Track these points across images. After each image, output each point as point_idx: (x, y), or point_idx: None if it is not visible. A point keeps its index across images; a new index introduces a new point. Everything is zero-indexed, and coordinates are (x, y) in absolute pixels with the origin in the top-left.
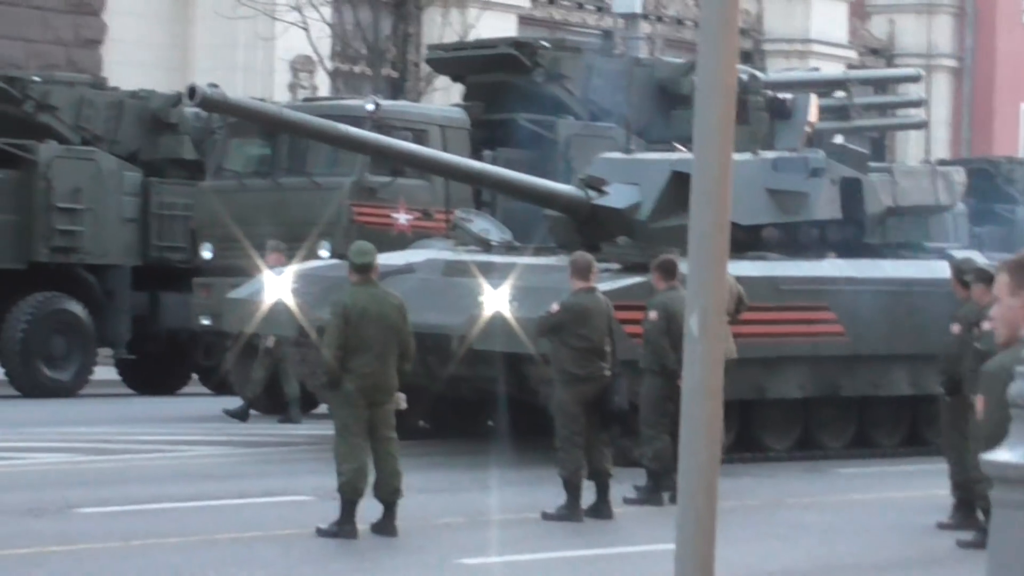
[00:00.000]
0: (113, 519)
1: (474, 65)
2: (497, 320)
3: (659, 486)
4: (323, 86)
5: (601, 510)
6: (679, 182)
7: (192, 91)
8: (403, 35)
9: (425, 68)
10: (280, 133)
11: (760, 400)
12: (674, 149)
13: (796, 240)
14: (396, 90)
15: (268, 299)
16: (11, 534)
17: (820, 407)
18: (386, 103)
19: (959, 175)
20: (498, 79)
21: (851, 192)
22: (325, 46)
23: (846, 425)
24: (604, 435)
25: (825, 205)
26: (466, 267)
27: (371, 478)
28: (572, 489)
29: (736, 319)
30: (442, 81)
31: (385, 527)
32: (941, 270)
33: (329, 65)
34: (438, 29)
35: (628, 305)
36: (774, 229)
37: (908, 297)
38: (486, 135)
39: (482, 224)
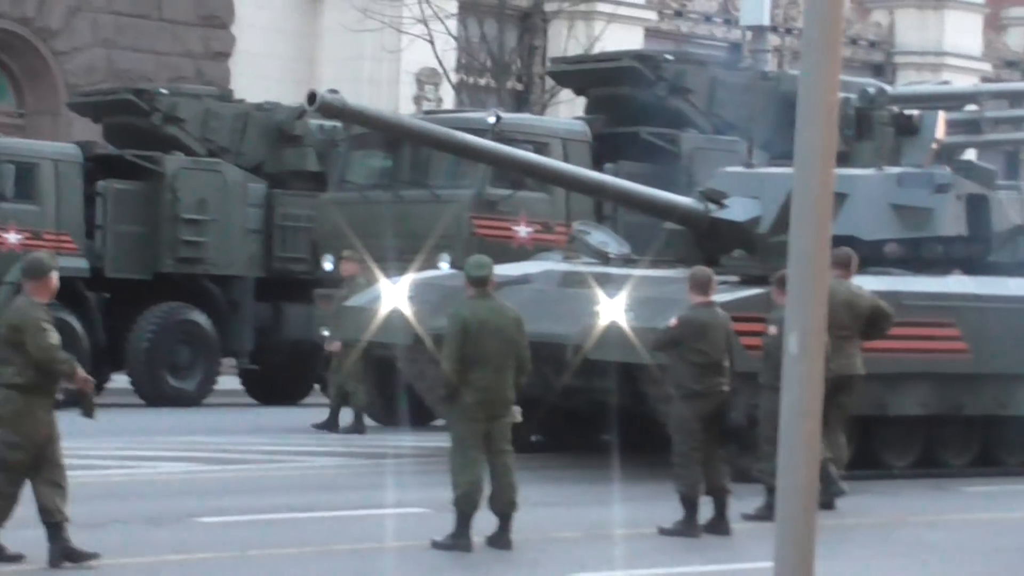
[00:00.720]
0: (231, 529)
1: (597, 78)
2: (612, 330)
3: None
4: (448, 98)
5: (719, 526)
6: None
7: (312, 97)
8: (528, 47)
9: (550, 81)
10: (402, 144)
11: (881, 416)
12: None
13: (919, 256)
14: (520, 103)
15: (384, 308)
16: (131, 542)
17: (943, 425)
18: (508, 116)
19: None
20: (621, 92)
21: (977, 209)
22: (450, 59)
23: (970, 443)
24: (722, 451)
25: (950, 221)
26: (583, 278)
27: (487, 491)
28: (689, 505)
29: (876, 335)
30: (567, 94)
31: (500, 540)
32: None
33: (454, 77)
34: (563, 42)
35: (745, 317)
36: (896, 244)
37: None
38: (608, 148)
39: (600, 236)
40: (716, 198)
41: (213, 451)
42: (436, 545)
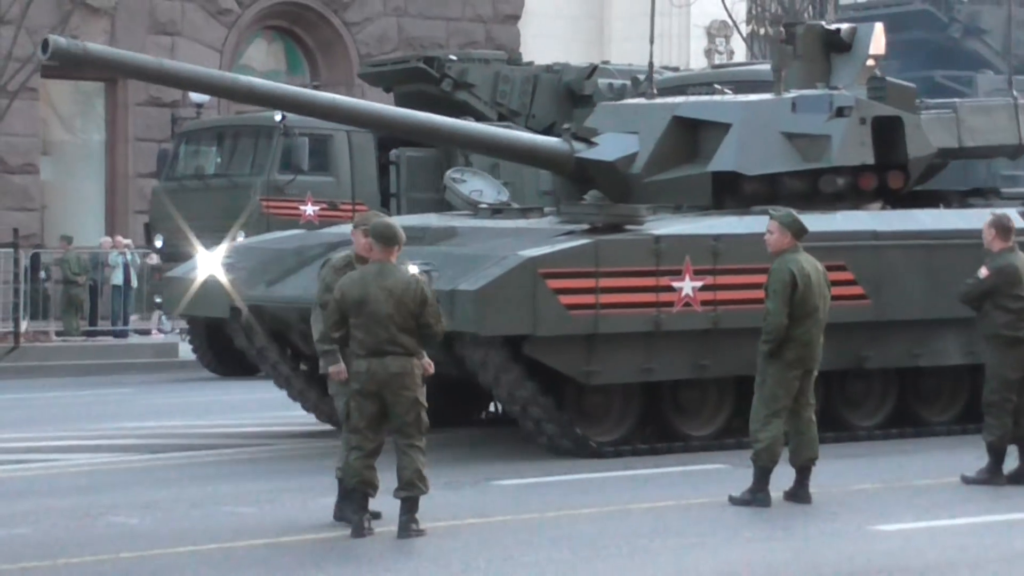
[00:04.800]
0: (529, 491)
1: (888, 23)
2: None
3: None
4: (739, 50)
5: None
6: (680, 129)
7: (45, 44)
8: None
9: None
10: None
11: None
12: None
13: (817, 191)
14: None
15: (200, 276)
16: (430, 507)
17: (842, 382)
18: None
19: None
20: (913, 36)
21: (888, 133)
22: (740, 10)
23: (881, 401)
24: None
25: (851, 149)
26: (420, 234)
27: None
28: (995, 453)
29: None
30: None
31: (799, 494)
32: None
33: (744, 29)
34: None
35: (564, 272)
36: (791, 179)
37: (952, 252)
38: None
39: (477, 184)
40: (585, 136)
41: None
42: (733, 501)
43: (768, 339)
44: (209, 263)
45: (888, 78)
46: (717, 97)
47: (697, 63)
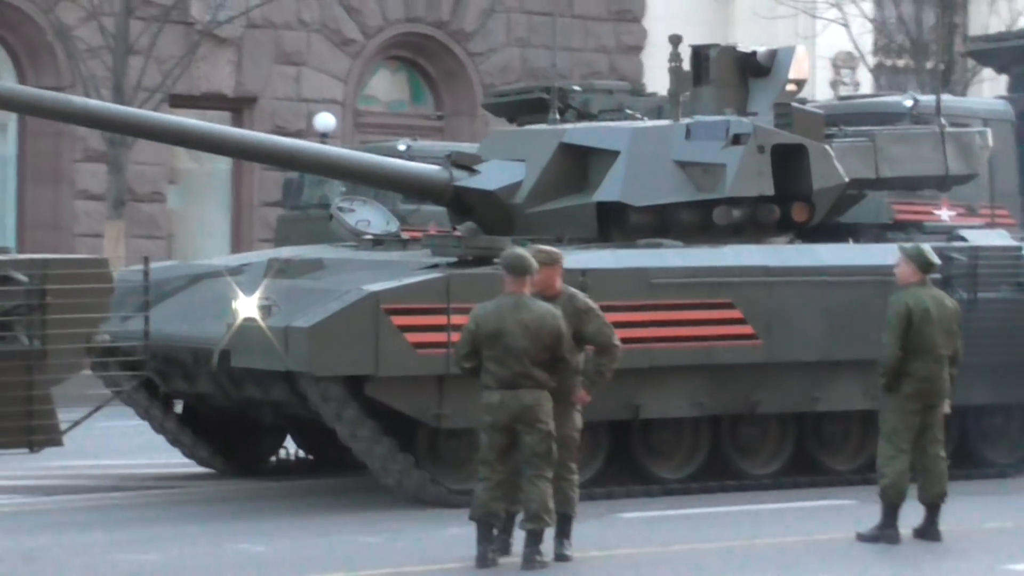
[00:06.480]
0: (653, 525)
1: (1018, 55)
2: (248, 331)
3: None
4: (865, 82)
5: None
6: (568, 156)
7: None
8: (948, 26)
9: (971, 60)
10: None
11: (642, 421)
12: None
13: (712, 223)
14: (941, 83)
15: None
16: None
17: (733, 427)
18: (925, 98)
19: (983, 138)
20: None
21: (791, 163)
22: (867, 42)
23: (777, 448)
24: None
25: (748, 179)
26: (290, 268)
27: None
28: None
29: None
30: (989, 72)
31: (928, 531)
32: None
33: (871, 61)
34: (985, 18)
35: (412, 309)
36: (684, 210)
37: (853, 290)
38: None
39: (364, 214)
40: (466, 164)
41: None
42: (861, 537)
43: (881, 372)
44: None
45: (795, 105)
46: (609, 123)
47: (823, 95)
